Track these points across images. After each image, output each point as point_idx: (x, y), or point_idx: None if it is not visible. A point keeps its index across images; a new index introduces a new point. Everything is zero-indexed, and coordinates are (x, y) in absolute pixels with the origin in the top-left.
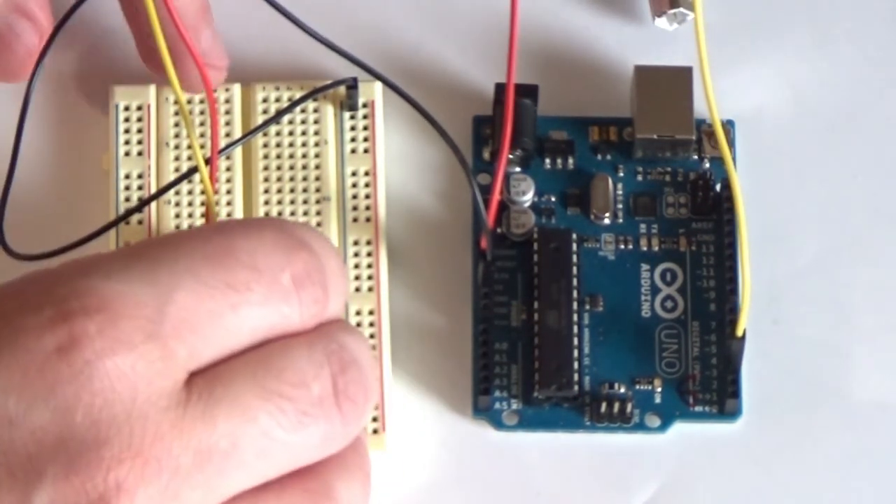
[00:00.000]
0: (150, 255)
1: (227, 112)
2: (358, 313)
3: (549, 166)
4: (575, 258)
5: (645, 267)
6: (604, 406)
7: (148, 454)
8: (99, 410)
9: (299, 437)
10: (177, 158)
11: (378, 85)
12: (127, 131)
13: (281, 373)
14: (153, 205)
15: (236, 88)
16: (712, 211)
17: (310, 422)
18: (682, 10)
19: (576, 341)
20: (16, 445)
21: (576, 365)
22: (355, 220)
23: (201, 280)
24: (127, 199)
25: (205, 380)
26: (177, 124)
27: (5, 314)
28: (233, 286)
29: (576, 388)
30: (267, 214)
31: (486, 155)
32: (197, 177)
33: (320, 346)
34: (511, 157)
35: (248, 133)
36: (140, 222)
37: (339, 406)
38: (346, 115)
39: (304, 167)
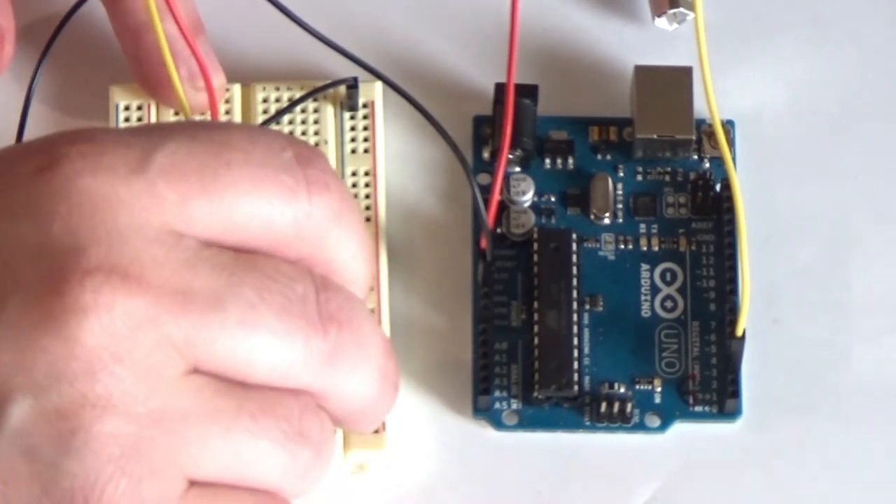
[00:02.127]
0: (149, 126)
1: (228, 112)
2: None
3: (549, 166)
4: (575, 258)
5: (645, 267)
6: (604, 406)
7: (127, 270)
8: (77, 222)
9: (282, 326)
10: None
11: (378, 85)
12: None
13: (264, 262)
14: None
15: (236, 88)
16: (712, 211)
17: (295, 315)
18: (682, 10)
19: (576, 341)
20: None
21: (576, 365)
22: None
23: (195, 137)
24: None
25: (193, 240)
26: None
27: (2, 151)
28: (227, 144)
29: (576, 388)
30: None
31: (486, 155)
32: None
33: (302, 265)
34: (511, 157)
35: None
36: None
37: (318, 314)
38: (346, 115)
39: None
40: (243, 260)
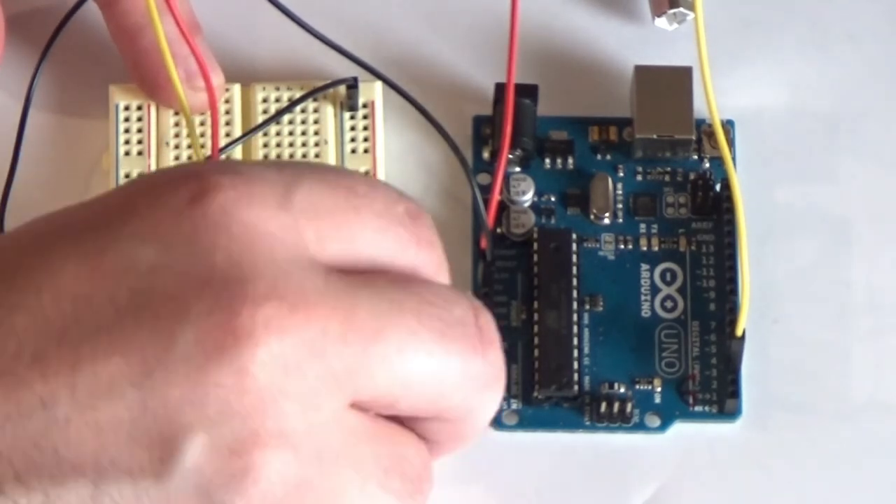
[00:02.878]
0: (278, 163)
1: (227, 112)
2: None
3: (549, 166)
4: (575, 258)
5: (645, 267)
6: (604, 406)
7: (296, 301)
8: (240, 254)
9: (439, 349)
10: (177, 158)
11: (378, 85)
12: (127, 131)
13: (420, 286)
14: None
15: (236, 88)
16: (712, 211)
17: (451, 338)
18: (682, 10)
19: (576, 341)
20: (157, 290)
21: (576, 365)
22: None
23: (326, 180)
24: None
25: (341, 271)
26: (177, 124)
27: (140, 184)
28: (354, 190)
29: (576, 388)
30: None
31: (486, 155)
32: None
33: (454, 289)
34: (511, 157)
35: (248, 132)
36: None
37: (480, 337)
38: (346, 115)
39: None
40: (401, 284)
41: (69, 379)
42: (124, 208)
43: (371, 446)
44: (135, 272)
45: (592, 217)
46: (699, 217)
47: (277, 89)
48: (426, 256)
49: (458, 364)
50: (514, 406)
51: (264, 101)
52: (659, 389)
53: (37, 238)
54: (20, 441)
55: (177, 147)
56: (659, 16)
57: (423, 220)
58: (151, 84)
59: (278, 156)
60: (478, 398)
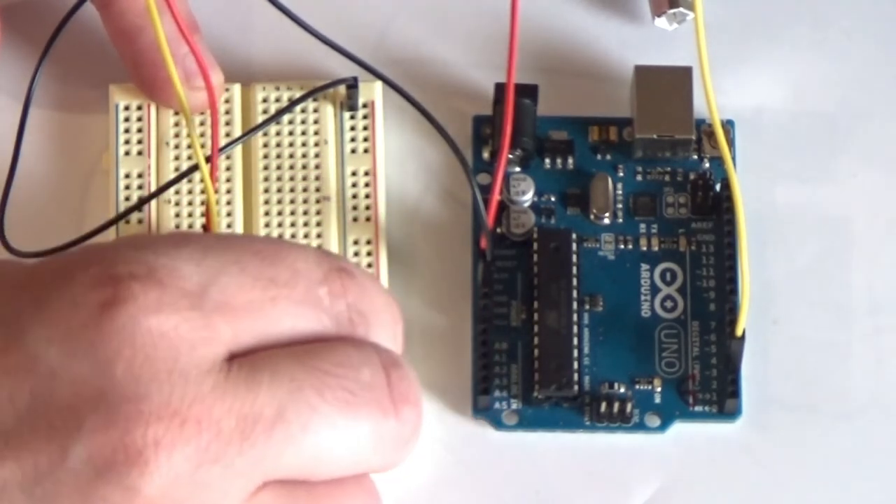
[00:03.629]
0: (202, 243)
1: (227, 112)
2: None
3: (548, 166)
4: (575, 258)
5: (645, 267)
6: (604, 406)
7: (186, 414)
8: (140, 366)
9: (345, 420)
10: (177, 157)
11: (378, 85)
12: (127, 131)
13: (327, 355)
14: (153, 203)
15: (236, 88)
16: (712, 211)
17: (359, 405)
18: (682, 10)
19: (576, 341)
20: (56, 397)
21: (576, 365)
22: (355, 219)
23: (246, 272)
24: (127, 199)
25: (247, 358)
26: (177, 124)
27: (54, 272)
28: (274, 281)
29: (576, 387)
30: (267, 214)
31: (486, 155)
32: (197, 176)
33: (368, 346)
34: (511, 157)
35: (248, 132)
36: (140, 221)
37: (391, 397)
38: (346, 115)
39: (304, 167)
40: (300, 357)
41: None
42: (37, 300)
43: None
44: (37, 374)
45: (592, 217)
46: (699, 217)
47: (277, 89)
48: (353, 313)
49: (369, 429)
50: (514, 406)
51: (264, 100)
52: (659, 389)
53: None
54: None
55: (177, 147)
56: (659, 16)
57: (350, 272)
58: (150, 84)
59: (278, 156)
60: (396, 455)
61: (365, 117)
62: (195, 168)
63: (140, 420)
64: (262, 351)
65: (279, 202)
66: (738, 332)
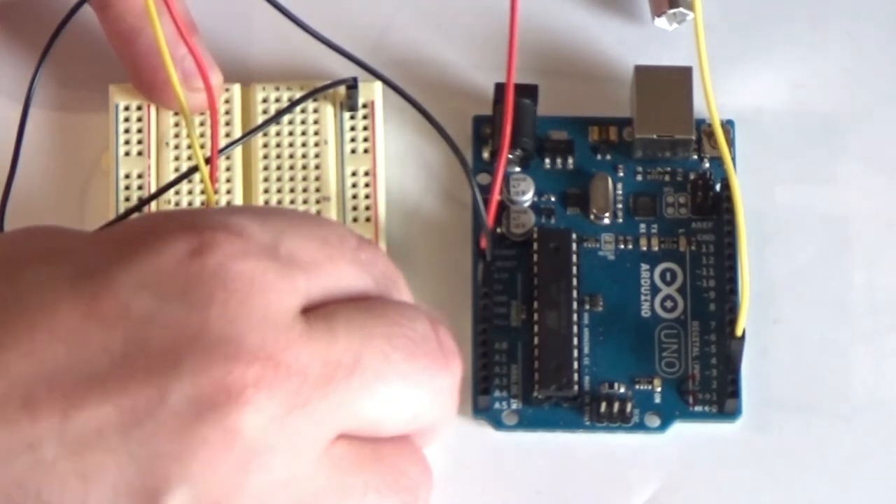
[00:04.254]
0: (254, 209)
1: (227, 112)
2: None
3: (548, 166)
4: (575, 258)
5: (645, 267)
6: (604, 406)
7: (279, 358)
8: (234, 309)
9: (412, 369)
10: (177, 158)
11: (378, 85)
12: (127, 131)
13: (387, 309)
14: (153, 204)
15: (236, 88)
16: (712, 211)
17: (420, 356)
18: (681, 9)
19: (575, 341)
20: (151, 341)
21: (575, 365)
22: (355, 220)
23: (302, 233)
24: (127, 199)
25: (318, 310)
26: (177, 124)
27: (135, 228)
28: (327, 242)
29: (575, 387)
30: None
31: (486, 155)
32: (197, 176)
33: (413, 304)
34: (511, 157)
35: (248, 133)
36: None
37: (442, 350)
38: (346, 115)
39: (304, 167)
40: (366, 309)
41: (59, 424)
42: (123, 252)
43: (360, 473)
44: (130, 320)
45: (592, 217)
46: (699, 217)
47: (277, 89)
48: (386, 278)
49: (428, 379)
50: (514, 406)
51: (264, 101)
52: (659, 389)
53: (33, 271)
54: (4, 481)
55: (177, 147)
56: (659, 16)
57: (373, 246)
58: (150, 86)
59: (278, 156)
60: (449, 408)
61: (365, 117)
62: (195, 169)
63: (239, 360)
64: (330, 304)
65: (279, 202)
66: (738, 332)
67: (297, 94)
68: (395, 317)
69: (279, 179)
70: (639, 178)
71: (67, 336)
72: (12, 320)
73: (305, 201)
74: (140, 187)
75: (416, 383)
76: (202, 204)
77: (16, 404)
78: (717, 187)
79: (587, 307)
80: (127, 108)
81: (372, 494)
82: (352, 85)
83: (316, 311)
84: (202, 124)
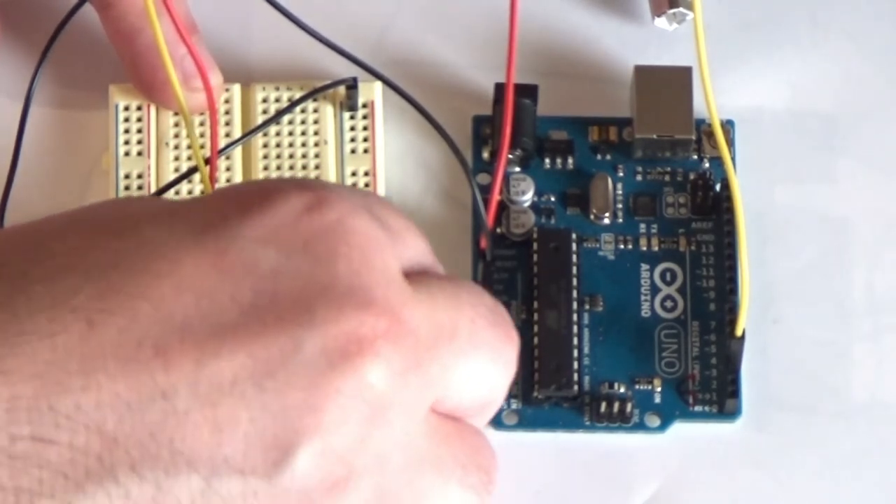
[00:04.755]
0: (340, 186)
1: (227, 112)
2: None
3: (548, 166)
4: (575, 258)
5: (645, 267)
6: (603, 406)
7: (400, 313)
8: (358, 262)
9: (493, 337)
10: (176, 158)
11: (378, 85)
12: (127, 131)
13: (460, 281)
14: None
15: (236, 88)
16: (712, 211)
17: (496, 324)
18: (681, 10)
19: (575, 341)
20: (280, 292)
21: (575, 365)
22: None
23: (383, 203)
24: None
25: (413, 276)
26: (177, 124)
27: (251, 188)
28: (399, 216)
29: (575, 387)
30: None
31: (486, 155)
32: (197, 177)
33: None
34: (511, 157)
35: (248, 133)
36: None
37: (509, 323)
38: (346, 115)
39: (304, 167)
40: (448, 278)
41: (192, 374)
42: (240, 210)
43: (448, 446)
44: (256, 273)
45: (592, 217)
46: (699, 217)
47: (277, 89)
48: (432, 257)
49: (502, 351)
50: (514, 406)
51: (264, 101)
52: (659, 389)
53: (152, 227)
54: (138, 430)
55: (176, 147)
56: (659, 16)
57: (412, 225)
58: (149, 86)
59: (278, 156)
60: (508, 384)
61: (365, 117)
62: (195, 169)
63: (370, 312)
64: (416, 273)
65: None
66: (738, 332)
67: (297, 94)
68: (471, 288)
69: None
70: (639, 178)
71: (195, 288)
72: (138, 271)
73: None
74: (140, 187)
75: (496, 352)
76: None
77: (148, 353)
78: (717, 187)
79: (587, 307)
80: (127, 108)
81: (458, 469)
82: (352, 85)
83: (410, 277)
84: (202, 124)
